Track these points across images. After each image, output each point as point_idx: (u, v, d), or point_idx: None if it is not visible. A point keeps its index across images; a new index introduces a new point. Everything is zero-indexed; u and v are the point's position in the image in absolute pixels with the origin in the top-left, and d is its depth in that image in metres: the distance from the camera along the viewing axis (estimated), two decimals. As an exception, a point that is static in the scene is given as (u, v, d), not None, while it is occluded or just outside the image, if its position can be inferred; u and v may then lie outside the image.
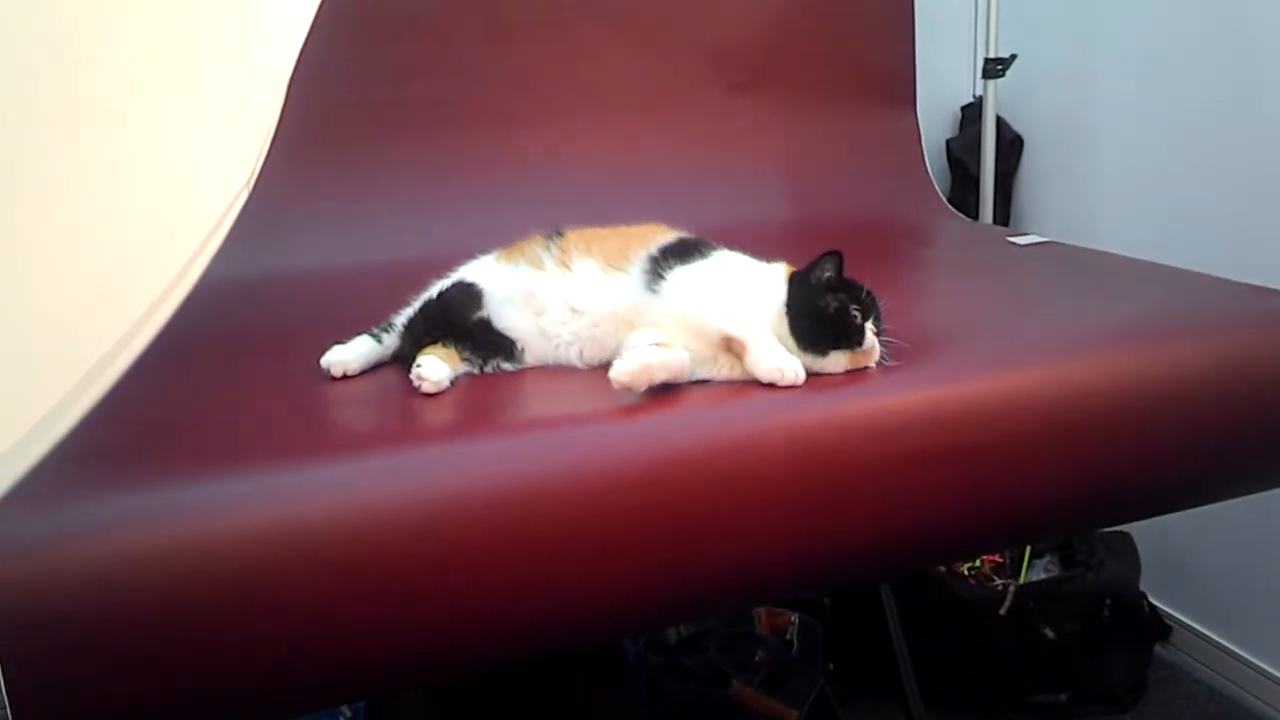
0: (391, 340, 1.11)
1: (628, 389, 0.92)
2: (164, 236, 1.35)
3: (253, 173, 1.56)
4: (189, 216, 1.44)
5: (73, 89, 1.14)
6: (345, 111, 1.66)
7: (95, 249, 1.16)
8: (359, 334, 1.11)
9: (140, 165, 1.29)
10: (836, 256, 1.00)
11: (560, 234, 1.14)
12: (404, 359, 1.08)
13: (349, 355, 1.08)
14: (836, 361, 0.98)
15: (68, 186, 1.12)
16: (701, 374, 0.98)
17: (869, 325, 0.98)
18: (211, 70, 1.48)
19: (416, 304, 1.13)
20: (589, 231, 1.14)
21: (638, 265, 1.06)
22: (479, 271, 1.14)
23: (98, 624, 0.72)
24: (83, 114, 1.17)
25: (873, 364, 0.99)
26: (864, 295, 1.00)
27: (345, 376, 1.07)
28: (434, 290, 1.13)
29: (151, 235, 1.31)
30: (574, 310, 1.08)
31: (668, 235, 1.10)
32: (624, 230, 1.13)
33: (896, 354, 1.01)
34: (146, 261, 1.29)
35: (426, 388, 1.00)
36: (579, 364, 1.08)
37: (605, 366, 0.95)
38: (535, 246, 1.14)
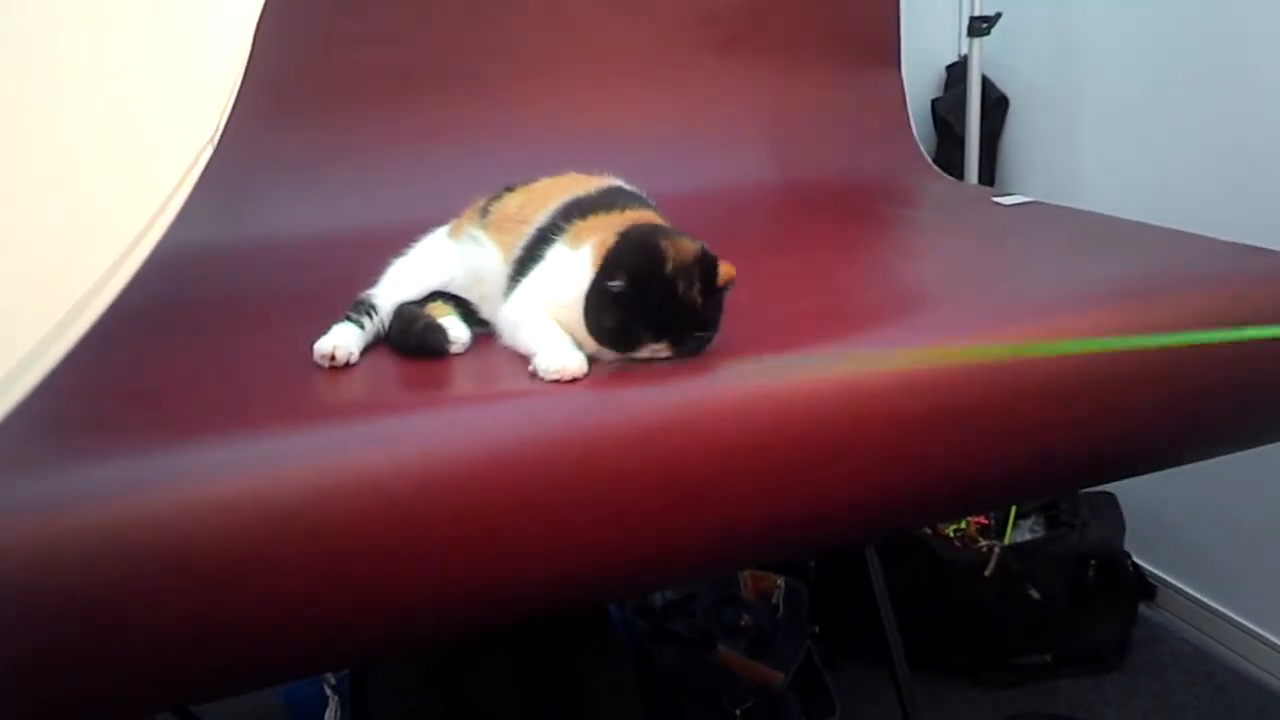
0: (372, 325, 1.04)
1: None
2: (120, 202, 1.31)
3: (213, 137, 1.51)
4: (147, 180, 1.39)
5: (30, 49, 1.10)
6: (314, 74, 1.61)
7: (48, 213, 1.12)
8: (340, 322, 1.02)
9: (96, 127, 1.25)
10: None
11: (498, 197, 1.09)
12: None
13: (348, 338, 1.00)
14: None
15: (20, 147, 1.08)
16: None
17: None
18: (172, 26, 1.43)
19: (385, 299, 1.06)
20: (532, 189, 1.08)
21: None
22: (435, 269, 1.09)
23: (56, 601, 0.70)
24: (39, 74, 1.13)
25: None
26: None
27: (349, 365, 0.98)
28: (399, 298, 1.06)
29: (106, 201, 1.27)
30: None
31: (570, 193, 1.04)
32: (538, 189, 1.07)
33: (876, 316, 1.00)
34: (99, 229, 1.25)
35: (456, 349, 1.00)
36: None
37: None
38: (471, 220, 1.09)
